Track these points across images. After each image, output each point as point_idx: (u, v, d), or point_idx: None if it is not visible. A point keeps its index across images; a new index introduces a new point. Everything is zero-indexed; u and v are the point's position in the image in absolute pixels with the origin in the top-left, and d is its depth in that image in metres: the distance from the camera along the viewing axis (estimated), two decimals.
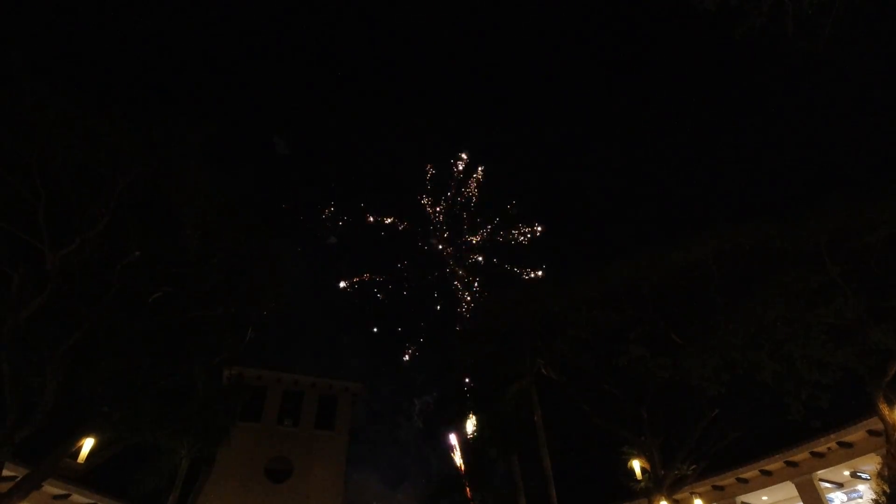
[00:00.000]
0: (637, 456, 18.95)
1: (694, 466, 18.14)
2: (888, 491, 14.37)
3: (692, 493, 20.25)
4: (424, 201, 62.70)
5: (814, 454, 20.11)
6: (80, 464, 13.97)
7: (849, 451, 19.29)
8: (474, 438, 27.97)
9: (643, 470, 18.74)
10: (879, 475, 15.09)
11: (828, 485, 21.36)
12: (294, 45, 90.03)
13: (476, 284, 60.38)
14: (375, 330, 67.05)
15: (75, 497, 19.48)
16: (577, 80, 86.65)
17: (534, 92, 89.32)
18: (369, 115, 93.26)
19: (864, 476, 19.81)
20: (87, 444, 14.06)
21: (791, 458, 20.74)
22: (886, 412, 14.64)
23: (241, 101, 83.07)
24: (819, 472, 20.30)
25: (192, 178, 14.49)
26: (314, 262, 75.92)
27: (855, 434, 18.85)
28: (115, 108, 13.66)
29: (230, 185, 16.41)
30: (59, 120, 12.75)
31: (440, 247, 62.22)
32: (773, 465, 21.30)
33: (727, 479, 22.70)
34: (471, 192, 61.75)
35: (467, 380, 28.79)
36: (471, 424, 28.71)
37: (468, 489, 29.79)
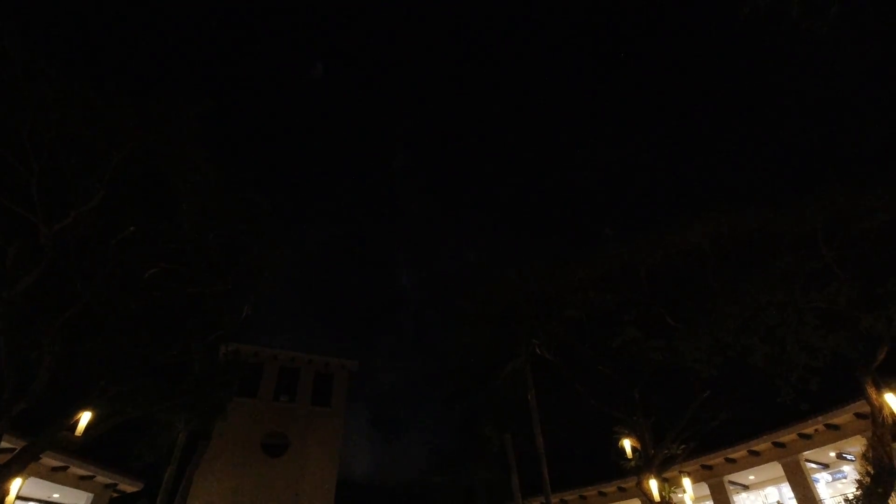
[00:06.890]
0: (628, 436, 19.21)
1: (684, 446, 18.42)
2: (872, 472, 14.65)
3: (681, 472, 20.62)
4: None
5: (801, 435, 20.51)
6: (78, 436, 14.04)
7: (835, 433, 19.68)
8: (469, 417, 28.35)
9: (634, 449, 19.02)
10: (864, 457, 15.38)
11: (814, 465, 21.84)
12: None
13: None
14: None
15: (73, 469, 19.73)
16: (573, 68, 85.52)
17: (531, 81, 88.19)
18: None
19: (849, 457, 20.25)
20: (85, 417, 14.14)
21: (778, 439, 21.16)
22: (874, 396, 14.85)
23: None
24: (805, 452, 20.74)
25: (189, 154, 14.27)
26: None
27: (842, 417, 19.21)
28: (110, 80, 13.38)
29: (230, 162, 16.17)
30: (52, 91, 12.49)
31: None
32: (761, 445, 21.73)
33: (716, 459, 23.19)
34: None
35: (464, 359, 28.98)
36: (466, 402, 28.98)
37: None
